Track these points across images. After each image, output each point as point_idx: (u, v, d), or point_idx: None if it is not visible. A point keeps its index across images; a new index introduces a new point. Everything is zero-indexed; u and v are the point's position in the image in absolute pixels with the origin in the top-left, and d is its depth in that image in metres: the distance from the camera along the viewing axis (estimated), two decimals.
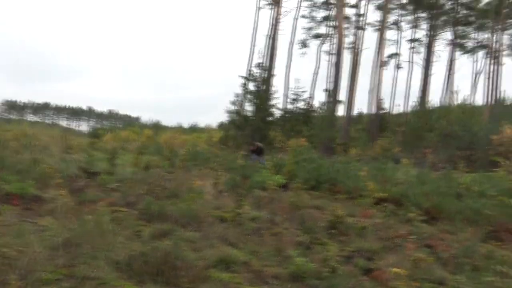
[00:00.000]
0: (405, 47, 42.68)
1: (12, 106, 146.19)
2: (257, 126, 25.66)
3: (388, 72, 42.78)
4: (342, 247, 5.87)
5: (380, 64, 29.72)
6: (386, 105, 36.42)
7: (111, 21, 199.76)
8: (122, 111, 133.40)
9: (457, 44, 39.12)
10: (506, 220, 7.18)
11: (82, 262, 4.59)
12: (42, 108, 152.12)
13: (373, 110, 30.71)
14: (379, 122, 32.77)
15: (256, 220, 7.04)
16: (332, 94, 25.93)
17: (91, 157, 12.53)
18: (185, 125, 53.11)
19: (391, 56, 41.82)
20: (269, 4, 31.19)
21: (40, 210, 7.09)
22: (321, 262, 4.87)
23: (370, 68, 34.54)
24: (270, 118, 27.60)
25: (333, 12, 27.74)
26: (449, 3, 37.75)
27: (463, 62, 50.33)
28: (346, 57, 35.73)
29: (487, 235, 6.77)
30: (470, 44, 44.04)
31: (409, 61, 40.77)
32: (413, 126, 21.05)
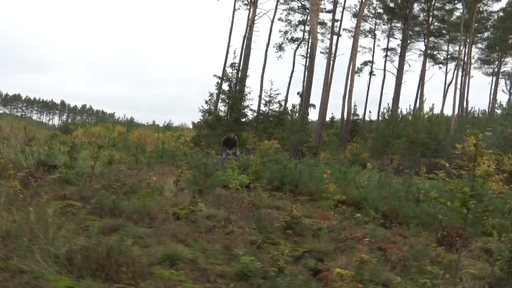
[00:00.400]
0: (380, 55, 43.31)
1: None
2: (229, 126, 25.53)
3: (362, 79, 43.39)
4: (294, 248, 5.83)
5: (351, 70, 30.07)
6: (359, 111, 37.01)
7: (88, 15, 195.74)
8: (96, 107, 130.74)
9: (429, 55, 40.04)
10: (459, 225, 7.31)
11: (18, 255, 4.37)
12: (12, 100, 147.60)
13: (346, 115, 31.04)
14: (352, 127, 33.21)
15: (212, 218, 6.95)
16: (304, 98, 26.06)
17: (51, 150, 12.16)
18: (160, 123, 52.43)
19: (365, 63, 42.49)
20: (246, 4, 31.23)
21: None
22: (269, 262, 4.80)
23: (345, 74, 34.93)
24: (243, 119, 27.53)
25: (308, 17, 27.89)
26: (423, 14, 38.62)
27: (435, 73, 51.53)
28: (322, 62, 36.19)
29: (440, 240, 6.86)
30: (441, 55, 45.29)
31: (383, 69, 41.55)
32: (381, 133, 21.38)
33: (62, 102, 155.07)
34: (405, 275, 4.86)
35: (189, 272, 4.64)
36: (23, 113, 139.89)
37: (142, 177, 10.05)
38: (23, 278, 3.99)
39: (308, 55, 27.69)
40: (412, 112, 21.88)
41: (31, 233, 4.88)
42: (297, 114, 26.29)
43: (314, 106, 28.89)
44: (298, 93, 28.89)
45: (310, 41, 26.35)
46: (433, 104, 25.88)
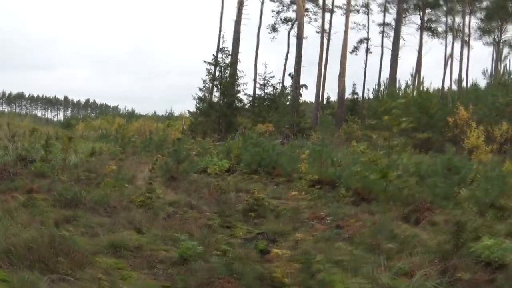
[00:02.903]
0: (376, 31, 42.52)
1: None
2: (222, 112, 25.39)
3: (360, 57, 42.73)
4: (250, 230, 5.75)
5: (343, 48, 29.64)
6: (358, 89, 36.54)
7: (89, 11, 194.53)
8: (100, 101, 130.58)
9: (426, 28, 39.28)
10: (429, 199, 7.20)
11: None
12: (16, 98, 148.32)
13: (340, 95, 30.66)
14: (351, 106, 32.88)
15: (175, 204, 6.88)
16: (294, 79, 25.77)
17: (31, 145, 12.16)
18: (162, 113, 52.42)
19: (361, 40, 41.81)
20: None
21: None
22: (214, 245, 4.72)
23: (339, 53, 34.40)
24: (237, 104, 27.34)
25: None
26: None
27: (432, 46, 50.45)
28: (316, 41, 35.61)
29: (407, 215, 6.74)
30: (441, 28, 44.35)
31: (381, 46, 40.88)
32: (373, 110, 21.13)
33: (66, 98, 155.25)
34: (355, 252, 4.77)
35: (131, 259, 4.58)
36: (28, 111, 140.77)
37: (120, 167, 9.98)
38: None
39: (296, 35, 27.28)
40: (405, 87, 21.57)
41: None
42: (288, 96, 26.06)
43: (306, 86, 28.60)
44: (289, 74, 28.63)
45: (297, 20, 25.96)
46: (422, 78, 25.45)
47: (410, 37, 55.64)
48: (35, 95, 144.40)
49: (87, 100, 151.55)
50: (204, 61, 26.68)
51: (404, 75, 46.69)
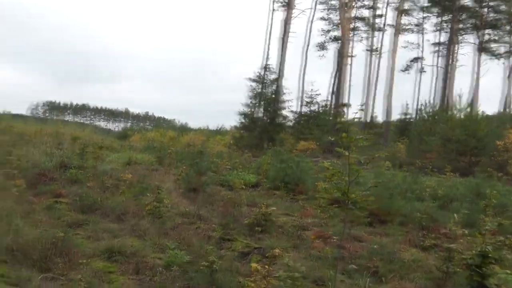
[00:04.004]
0: (430, 51, 41.17)
1: (53, 107, 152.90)
2: (264, 128, 25.55)
3: (413, 77, 41.53)
4: (250, 244, 5.78)
5: (391, 67, 28.93)
6: (410, 110, 35.31)
7: (150, 25, 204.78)
8: (157, 113, 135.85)
9: (483, 49, 37.50)
10: (441, 223, 6.86)
11: None
12: (81, 109, 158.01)
13: (386, 115, 29.92)
14: (403, 127, 31.89)
15: (185, 215, 7.05)
16: (336, 97, 25.46)
17: (73, 153, 12.91)
18: (213, 127, 53.65)
19: (414, 59, 40.68)
20: (282, 5, 31.05)
21: None
22: (204, 256, 4.80)
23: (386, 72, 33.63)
24: (280, 120, 27.40)
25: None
26: (475, 5, 36.25)
27: (490, 68, 47.59)
28: (364, 60, 35.03)
29: (421, 239, 6.46)
30: (501, 48, 42.11)
31: (436, 65, 39.49)
32: (418, 131, 20.38)
33: (126, 110, 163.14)
34: (342, 273, 4.67)
35: (123, 265, 4.77)
36: (91, 121, 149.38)
37: (145, 177, 10.36)
38: None
39: (338, 52, 27.03)
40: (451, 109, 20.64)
41: None
42: (330, 114, 25.75)
43: (349, 105, 28.12)
44: (333, 92, 28.26)
45: (341, 38, 25.80)
46: (471, 99, 24.14)
47: (467, 57, 53.19)
48: (98, 107, 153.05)
49: (146, 113, 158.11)
50: (249, 78, 27.12)
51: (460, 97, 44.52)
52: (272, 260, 4.10)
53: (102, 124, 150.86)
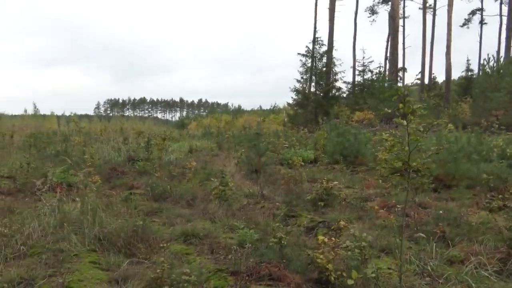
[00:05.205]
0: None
1: (114, 104, 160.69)
2: (318, 103, 25.38)
3: (475, 31, 39.01)
4: (314, 219, 5.95)
5: (448, 22, 27.21)
6: (473, 66, 33.40)
7: (194, 15, 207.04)
8: (211, 99, 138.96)
9: None
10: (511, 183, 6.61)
11: (62, 238, 5.30)
12: (139, 103, 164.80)
13: (445, 74, 28.40)
14: (466, 85, 30.31)
15: (249, 195, 7.35)
16: (391, 62, 24.51)
17: (138, 146, 13.71)
18: (266, 106, 53.96)
19: (473, 12, 38.21)
20: None
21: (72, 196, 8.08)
22: (272, 233, 5.04)
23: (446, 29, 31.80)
24: (334, 93, 27.05)
25: None
26: None
27: None
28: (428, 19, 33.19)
29: (488, 202, 6.31)
30: None
31: (499, 15, 36.75)
32: (481, 88, 19.22)
33: (181, 99, 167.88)
34: (408, 240, 4.73)
35: (198, 246, 5.14)
36: (150, 114, 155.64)
37: (209, 163, 10.82)
38: (60, 257, 4.85)
39: (389, 15, 25.83)
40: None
41: (78, 220, 5.85)
42: (387, 80, 24.89)
43: (405, 69, 27.00)
44: (386, 58, 27.21)
45: None
46: None
47: None
48: (155, 99, 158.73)
49: (200, 100, 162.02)
50: (298, 53, 26.88)
51: None
52: (338, 232, 4.25)
53: (159, 115, 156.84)
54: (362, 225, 5.37)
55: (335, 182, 7.19)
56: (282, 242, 4.72)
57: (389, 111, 4.01)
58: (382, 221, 5.37)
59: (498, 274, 3.87)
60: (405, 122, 3.76)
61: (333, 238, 4.33)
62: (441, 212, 5.61)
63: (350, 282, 3.07)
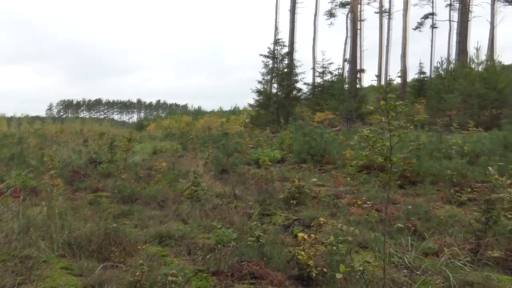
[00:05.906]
0: (441, 5, 40.18)
1: (67, 105, 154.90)
2: (280, 104, 25.59)
3: (426, 35, 40.71)
4: (289, 217, 5.99)
5: (403, 27, 28.29)
6: (426, 69, 34.77)
7: (155, 16, 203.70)
8: (170, 101, 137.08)
9: None
10: (471, 178, 6.95)
11: (29, 244, 5.04)
12: (94, 105, 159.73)
13: (404, 76, 29.48)
14: (419, 87, 31.47)
15: (221, 195, 7.30)
16: (351, 63, 25.17)
17: (99, 148, 13.28)
18: (227, 108, 53.78)
19: (425, 16, 39.87)
20: None
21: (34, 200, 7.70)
22: (249, 232, 5.03)
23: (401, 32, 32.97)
24: (295, 94, 27.35)
25: None
26: None
27: (508, 13, 46.07)
28: (375, 23, 34.28)
29: (453, 196, 6.58)
30: None
31: (448, 20, 38.54)
32: (435, 89, 20.10)
33: (139, 101, 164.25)
34: (382, 234, 4.84)
35: (174, 248, 5.04)
36: (105, 115, 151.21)
37: (177, 163, 10.64)
38: (28, 263, 4.61)
39: (349, 18, 26.55)
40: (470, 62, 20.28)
41: (45, 225, 5.58)
42: (345, 81, 25.53)
43: (363, 70, 27.78)
44: (345, 60, 27.93)
45: (350, 3, 25.25)
46: (488, 51, 23.54)
47: (481, 8, 51.58)
48: (111, 100, 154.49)
49: (158, 101, 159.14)
50: (260, 54, 27.00)
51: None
52: (318, 229, 4.30)
53: (116, 117, 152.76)
54: (336, 221, 5.46)
55: (314, 179, 7.29)
56: (260, 240, 4.73)
57: (371, 108, 4.09)
58: (357, 217, 5.48)
59: (471, 264, 4.05)
60: (383, 119, 3.87)
61: (312, 235, 4.38)
62: (410, 207, 5.80)
63: (338, 276, 3.11)
